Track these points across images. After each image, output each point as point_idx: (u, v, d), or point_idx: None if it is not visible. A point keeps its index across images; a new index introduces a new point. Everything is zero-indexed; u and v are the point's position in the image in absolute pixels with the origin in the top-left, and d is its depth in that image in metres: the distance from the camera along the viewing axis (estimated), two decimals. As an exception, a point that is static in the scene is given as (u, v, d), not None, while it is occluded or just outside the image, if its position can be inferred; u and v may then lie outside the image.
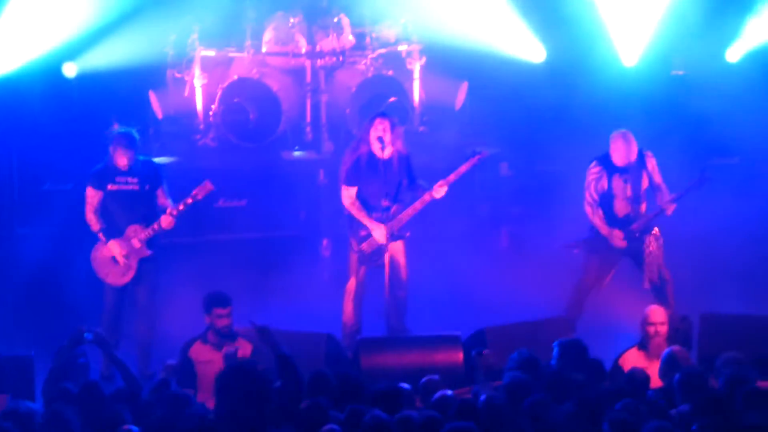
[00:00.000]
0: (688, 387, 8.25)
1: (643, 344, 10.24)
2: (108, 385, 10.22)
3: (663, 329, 10.23)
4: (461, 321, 11.77)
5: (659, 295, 11.51)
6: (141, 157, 11.50)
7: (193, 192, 11.27)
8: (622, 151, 11.59)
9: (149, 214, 11.30)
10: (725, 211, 14.16)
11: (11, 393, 9.03)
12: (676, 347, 9.44)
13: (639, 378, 8.81)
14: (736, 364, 8.74)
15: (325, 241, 14.15)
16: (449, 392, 8.45)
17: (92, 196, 11.34)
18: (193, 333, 10.35)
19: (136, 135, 11.37)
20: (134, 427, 7.75)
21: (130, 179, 11.32)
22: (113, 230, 11.31)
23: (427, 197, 11.55)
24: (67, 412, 7.66)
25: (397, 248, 11.71)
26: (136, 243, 11.25)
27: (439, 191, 11.54)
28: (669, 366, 9.17)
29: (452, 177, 11.57)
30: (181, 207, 11.23)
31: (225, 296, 10.28)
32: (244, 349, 10.17)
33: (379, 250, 11.57)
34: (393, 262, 11.64)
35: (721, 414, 7.66)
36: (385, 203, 11.52)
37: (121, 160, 11.24)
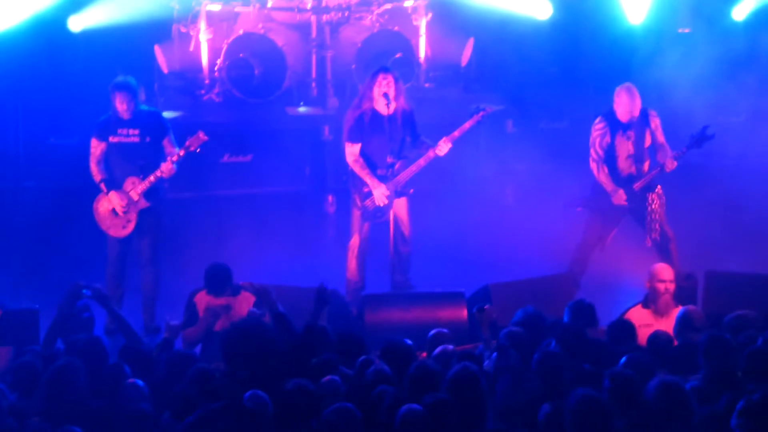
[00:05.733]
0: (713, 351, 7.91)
1: (649, 301, 10.24)
2: (112, 340, 10.33)
3: (672, 287, 10.21)
4: (465, 277, 11.80)
5: (663, 252, 11.50)
6: (144, 107, 11.51)
7: (186, 143, 11.24)
8: (626, 105, 11.55)
9: (147, 165, 11.25)
10: (729, 169, 14.16)
11: (16, 345, 9.05)
12: (691, 307, 9.42)
13: (662, 339, 8.78)
14: (744, 321, 8.71)
15: (330, 197, 14.16)
16: (450, 347, 8.47)
17: (95, 146, 11.36)
18: (198, 287, 10.35)
19: (133, 80, 11.35)
20: (139, 381, 7.78)
21: (131, 131, 11.30)
22: (112, 182, 11.33)
23: (431, 154, 11.53)
24: (76, 364, 7.64)
25: (401, 205, 11.72)
26: (134, 195, 11.24)
27: (443, 148, 11.52)
28: (683, 326, 9.15)
29: (456, 134, 11.55)
30: (175, 158, 11.21)
31: (220, 282, 9.97)
32: (248, 301, 10.12)
33: (383, 206, 11.57)
34: (397, 219, 11.65)
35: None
36: (389, 159, 11.52)
37: (121, 105, 11.21)
